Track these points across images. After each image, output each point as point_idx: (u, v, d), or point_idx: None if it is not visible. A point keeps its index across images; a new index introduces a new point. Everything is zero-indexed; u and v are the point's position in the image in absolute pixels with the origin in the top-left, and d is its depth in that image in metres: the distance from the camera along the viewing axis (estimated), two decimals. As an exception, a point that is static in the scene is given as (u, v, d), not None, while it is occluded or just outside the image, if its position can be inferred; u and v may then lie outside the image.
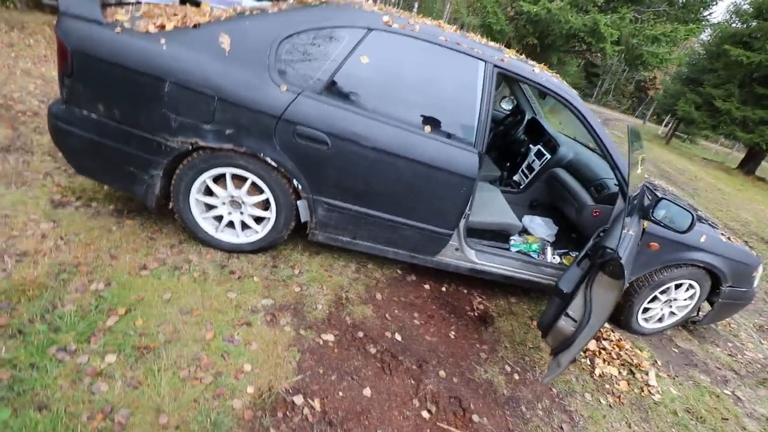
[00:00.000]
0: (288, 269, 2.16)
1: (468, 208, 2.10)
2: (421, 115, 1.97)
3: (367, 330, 1.94)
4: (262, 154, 1.86)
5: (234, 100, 1.77)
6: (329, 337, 1.83)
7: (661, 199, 1.97)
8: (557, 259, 2.55)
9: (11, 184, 2.17)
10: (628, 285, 2.43)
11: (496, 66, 2.00)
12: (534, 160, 3.22)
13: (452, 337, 2.11)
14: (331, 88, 1.86)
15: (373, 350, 1.85)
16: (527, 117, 3.59)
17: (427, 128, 1.94)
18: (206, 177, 1.94)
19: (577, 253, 1.92)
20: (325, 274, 2.20)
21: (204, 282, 1.91)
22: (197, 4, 4.73)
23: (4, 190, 2.12)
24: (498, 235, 2.50)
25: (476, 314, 2.35)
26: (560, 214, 2.92)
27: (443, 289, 2.45)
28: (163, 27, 1.77)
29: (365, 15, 1.89)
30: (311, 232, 2.12)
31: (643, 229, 2.06)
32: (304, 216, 2.08)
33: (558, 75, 2.38)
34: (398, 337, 1.97)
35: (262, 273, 2.07)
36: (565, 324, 1.72)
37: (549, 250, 2.59)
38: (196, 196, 1.98)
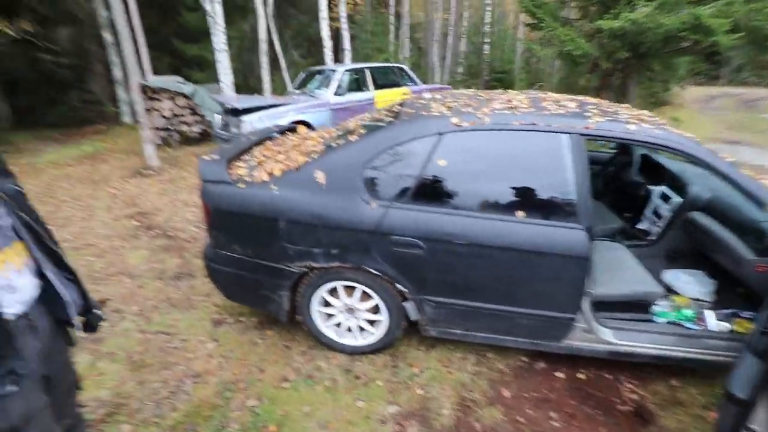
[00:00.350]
0: (408, 368, 2.19)
1: (588, 285, 1.89)
2: (511, 203, 1.90)
3: (502, 436, 1.82)
4: (365, 266, 2.00)
5: (334, 225, 1.96)
6: (460, 448, 1.77)
7: None
8: (725, 326, 2.05)
9: (184, 309, 2.71)
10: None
11: (582, 135, 1.85)
12: (660, 205, 2.75)
13: (602, 438, 1.84)
14: (417, 196, 1.94)
15: (510, 462, 1.72)
16: (637, 153, 3.14)
17: (520, 214, 1.85)
18: (323, 291, 2.15)
19: (752, 321, 1.53)
20: (444, 371, 2.17)
21: (334, 391, 2.05)
22: (309, 126, 5.47)
23: (179, 314, 2.66)
24: (637, 306, 2.16)
25: (629, 408, 1.99)
26: (712, 264, 2.34)
27: (580, 376, 2.16)
28: (272, 174, 2.09)
29: (434, 122, 1.97)
30: (423, 329, 2.15)
31: None
32: (414, 315, 2.12)
33: (663, 122, 2.07)
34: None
35: (384, 375, 2.14)
36: (751, 441, 1.35)
37: (709, 314, 2.09)
38: (317, 308, 2.20)
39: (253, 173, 2.16)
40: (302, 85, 7.42)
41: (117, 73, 10.85)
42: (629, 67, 8.51)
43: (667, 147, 1.83)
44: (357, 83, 7.27)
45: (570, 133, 1.85)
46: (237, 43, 12.58)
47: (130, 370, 2.19)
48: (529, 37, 13.25)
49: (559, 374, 2.18)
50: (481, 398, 2.01)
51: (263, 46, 10.38)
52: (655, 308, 2.16)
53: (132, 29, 9.99)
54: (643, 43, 7.32)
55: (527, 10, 8.41)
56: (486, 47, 15.85)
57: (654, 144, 1.85)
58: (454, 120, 1.93)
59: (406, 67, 7.97)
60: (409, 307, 2.11)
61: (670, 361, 1.98)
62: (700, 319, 2.10)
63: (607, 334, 1.97)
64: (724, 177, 1.77)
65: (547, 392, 2.06)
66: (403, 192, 1.94)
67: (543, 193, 1.90)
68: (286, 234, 2.01)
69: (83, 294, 1.19)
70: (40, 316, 1.07)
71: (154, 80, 7.89)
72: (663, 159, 2.98)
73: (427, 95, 2.57)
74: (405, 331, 2.23)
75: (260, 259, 2.12)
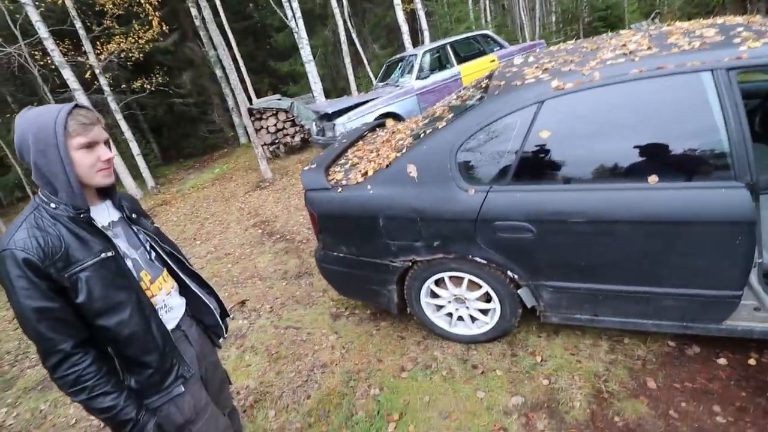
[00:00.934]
0: (529, 357, 2.06)
1: (758, 253, 1.51)
2: (639, 167, 1.60)
3: (650, 433, 1.59)
4: (470, 256, 1.92)
5: (433, 217, 1.93)
6: (599, 445, 1.60)
7: None
8: None
9: (306, 305, 3.00)
10: None
11: (731, 69, 1.45)
12: None
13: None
14: (519, 176, 1.77)
15: (664, 464, 1.49)
16: None
17: (653, 178, 1.55)
18: (429, 283, 2.14)
19: None
20: (572, 360, 1.98)
21: (453, 380, 2.04)
22: (397, 117, 5.51)
23: (303, 310, 2.95)
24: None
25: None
26: None
27: (751, 362, 1.77)
28: (366, 174, 2.15)
29: (530, 90, 1.75)
30: (543, 315, 1.99)
31: None
32: (530, 302, 1.98)
33: None
34: (698, 444, 1.52)
35: (503, 365, 2.06)
36: None
37: None
38: (425, 300, 2.21)
39: (348, 176, 2.25)
40: (385, 77, 7.49)
41: (230, 101, 12.44)
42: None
43: None
44: (439, 62, 7.03)
45: (713, 70, 1.48)
46: (321, 50, 13.29)
47: (269, 361, 2.51)
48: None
49: (721, 361, 1.80)
50: (619, 389, 1.79)
51: (344, 47, 10.75)
52: None
53: (235, 60, 11.29)
54: None
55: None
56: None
57: None
58: (555, 83, 1.70)
59: (490, 32, 7.42)
60: (524, 293, 1.97)
61: None
62: None
63: (788, 312, 1.56)
64: None
65: (706, 382, 1.73)
66: (503, 173, 1.80)
67: (681, 149, 1.56)
68: (386, 231, 2.05)
69: (220, 303, 1.41)
70: (189, 327, 1.28)
71: (258, 102, 8.83)
72: None
73: (518, 60, 2.33)
74: (522, 319, 2.10)
75: (365, 257, 2.20)
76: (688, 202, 1.50)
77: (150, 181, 9.37)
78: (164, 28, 9.85)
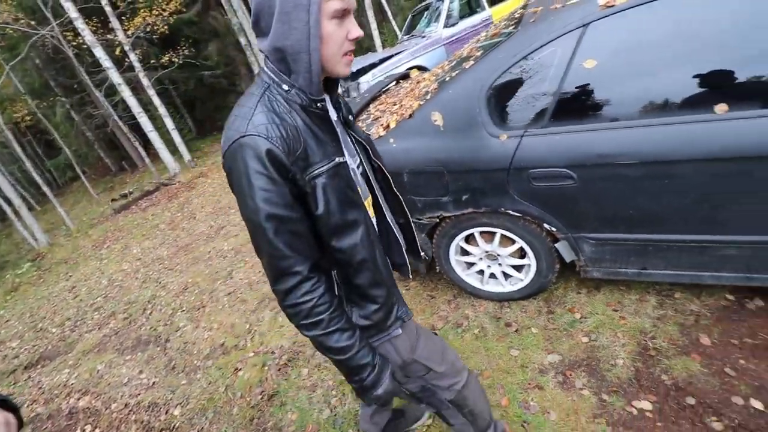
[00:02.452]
0: (567, 314, 1.95)
1: None
2: (704, 94, 1.36)
3: (701, 394, 1.47)
4: (502, 209, 1.79)
5: (461, 168, 1.79)
6: (644, 404, 1.50)
7: None
8: None
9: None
10: None
11: None
12: None
13: None
14: (558, 115, 1.57)
15: (718, 426, 1.37)
16: None
17: (721, 107, 1.32)
18: (458, 240, 2.04)
19: None
20: (615, 316, 1.85)
21: (485, 338, 1.98)
22: (425, 69, 5.19)
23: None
24: None
25: None
26: None
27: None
28: (388, 127, 2.02)
29: (572, 12, 1.51)
30: (582, 270, 1.85)
31: None
32: (568, 256, 1.83)
33: None
34: (757, 404, 1.38)
35: (538, 322, 1.96)
36: None
37: None
38: (455, 258, 2.12)
39: (370, 131, 2.14)
40: (411, 29, 7.06)
41: (255, 69, 12.34)
42: None
43: None
44: (469, 6, 6.51)
45: None
46: (344, 7, 12.72)
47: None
48: None
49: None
50: (668, 346, 1.65)
51: (367, 1, 10.21)
52: None
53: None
54: None
55: None
56: None
57: None
58: (602, 1, 1.46)
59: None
60: (562, 247, 1.82)
61: None
62: None
63: None
64: None
65: (772, 339, 1.55)
66: (540, 114, 1.61)
67: (757, 72, 1.30)
68: (411, 186, 1.94)
69: (412, 238, 1.19)
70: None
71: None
72: None
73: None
74: (559, 275, 1.97)
75: (390, 215, 2.13)
76: (765, 133, 1.27)
77: (186, 155, 9.67)
78: (186, -3, 9.75)
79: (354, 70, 5.78)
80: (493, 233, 1.94)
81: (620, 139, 1.47)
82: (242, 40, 10.34)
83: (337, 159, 0.85)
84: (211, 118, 14.81)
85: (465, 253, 2.11)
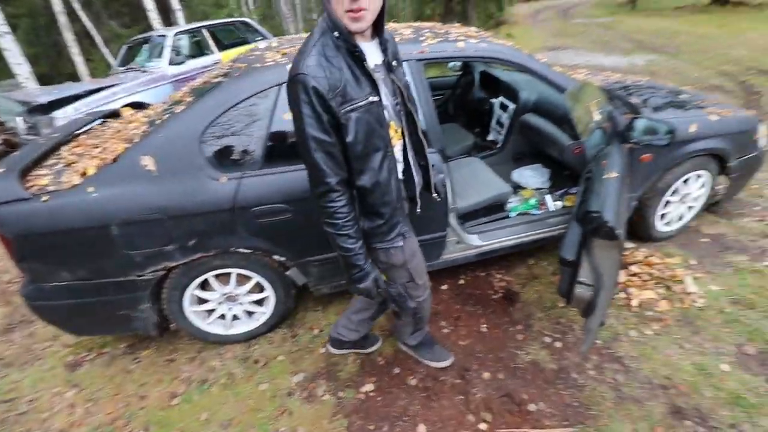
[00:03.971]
0: (308, 333, 2.16)
1: (452, 202, 2.03)
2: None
3: (401, 362, 1.94)
4: (233, 248, 1.83)
5: (184, 213, 1.72)
6: (368, 387, 1.85)
7: (633, 119, 1.86)
8: (559, 204, 2.46)
9: (25, 364, 2.20)
10: (636, 203, 2.35)
11: (419, 60, 1.89)
12: (501, 115, 3.05)
13: (484, 330, 2.10)
14: (270, 159, 1.78)
15: (413, 382, 1.86)
16: (478, 71, 3.39)
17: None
18: (192, 289, 1.93)
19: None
20: (343, 323, 2.20)
21: (233, 385, 1.93)
22: (141, 106, 4.56)
23: (19, 374, 2.14)
24: (494, 207, 2.41)
25: (500, 295, 2.31)
26: (547, 156, 2.75)
27: (460, 282, 2.42)
28: (85, 173, 1.72)
29: (270, 71, 1.78)
30: (314, 289, 2.10)
31: (630, 148, 1.96)
32: (300, 280, 2.06)
33: (487, 36, 2.22)
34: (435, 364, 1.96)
35: (284, 348, 2.09)
36: (581, 291, 1.66)
37: (548, 198, 2.49)
38: (191, 309, 1.99)
39: (60, 179, 1.75)
40: (127, 61, 6.26)
41: None
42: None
43: (492, 58, 1.98)
44: (198, 47, 6.39)
45: (408, 60, 1.85)
46: (27, 21, 9.96)
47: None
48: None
49: (444, 287, 2.39)
50: (377, 333, 2.09)
51: (62, 19, 8.38)
52: (508, 205, 2.46)
53: None
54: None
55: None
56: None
57: (481, 57, 1.99)
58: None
59: (251, 21, 7.22)
60: (294, 273, 2.03)
61: (525, 246, 2.30)
62: (542, 204, 2.48)
63: (474, 240, 2.18)
64: (540, 76, 2.02)
65: (435, 306, 2.23)
66: (254, 157, 1.77)
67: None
68: (124, 239, 1.71)
69: (427, 178, 1.47)
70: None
71: None
72: (498, 72, 3.25)
73: (262, 45, 2.33)
74: (298, 299, 2.18)
75: (101, 278, 1.78)
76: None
77: None
78: None
79: (46, 101, 4.59)
80: (229, 274, 1.95)
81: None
82: None
83: (371, 98, 1.10)
84: None
85: (202, 301, 2.02)
